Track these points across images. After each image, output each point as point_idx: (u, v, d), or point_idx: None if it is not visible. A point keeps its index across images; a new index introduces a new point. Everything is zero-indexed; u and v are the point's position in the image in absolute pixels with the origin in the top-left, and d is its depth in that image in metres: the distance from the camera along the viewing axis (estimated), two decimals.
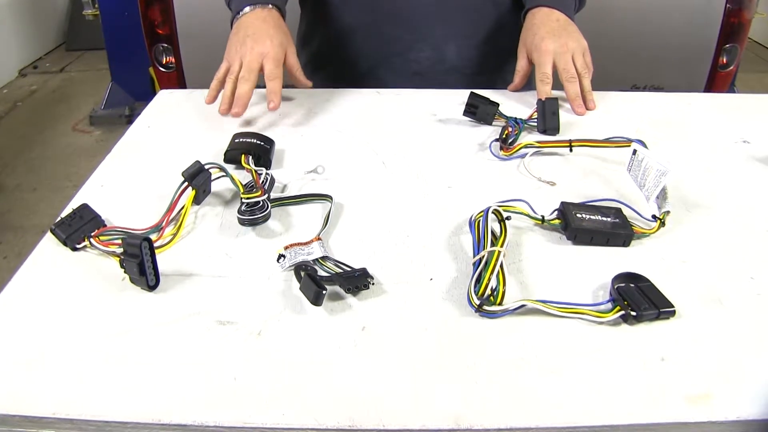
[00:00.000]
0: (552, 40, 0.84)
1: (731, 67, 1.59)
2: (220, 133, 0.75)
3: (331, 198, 0.63)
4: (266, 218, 0.60)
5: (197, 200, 0.63)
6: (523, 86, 0.91)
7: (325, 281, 0.50)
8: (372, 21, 0.92)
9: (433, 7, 0.92)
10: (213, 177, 0.64)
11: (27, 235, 2.22)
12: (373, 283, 0.52)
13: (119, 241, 0.55)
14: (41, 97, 3.43)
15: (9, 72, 3.65)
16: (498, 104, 0.81)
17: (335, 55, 0.99)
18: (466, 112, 0.81)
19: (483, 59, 0.97)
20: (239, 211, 0.60)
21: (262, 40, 0.80)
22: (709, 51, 1.56)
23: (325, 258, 0.54)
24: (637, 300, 0.49)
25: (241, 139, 0.71)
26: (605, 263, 0.55)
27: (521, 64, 0.88)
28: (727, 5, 1.50)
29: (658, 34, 1.53)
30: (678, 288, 0.51)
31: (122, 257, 0.51)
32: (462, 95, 0.82)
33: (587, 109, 0.85)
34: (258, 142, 0.71)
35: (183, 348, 0.46)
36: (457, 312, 0.50)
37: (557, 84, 0.86)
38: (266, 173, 0.65)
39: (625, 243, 0.57)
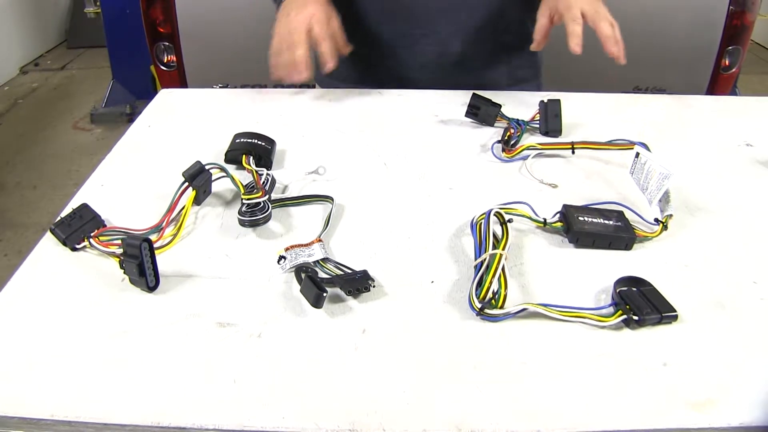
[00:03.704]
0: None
1: (734, 69, 1.59)
2: (221, 133, 0.75)
3: (332, 199, 0.63)
4: (267, 219, 0.60)
5: (197, 201, 0.62)
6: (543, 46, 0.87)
7: (326, 283, 0.50)
8: (379, 15, 0.93)
9: (437, 2, 0.92)
10: (214, 177, 0.64)
11: (27, 233, 2.22)
12: (374, 286, 0.51)
13: (119, 242, 0.55)
14: (42, 94, 3.43)
15: (10, 69, 3.65)
16: (500, 105, 0.80)
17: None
18: (468, 114, 0.81)
19: (489, 54, 0.97)
20: (240, 212, 0.60)
21: (305, 8, 0.83)
22: (712, 53, 1.55)
23: (325, 260, 0.54)
24: (640, 304, 0.48)
25: (242, 139, 0.71)
26: (607, 267, 0.55)
27: (542, 23, 0.84)
28: (730, 7, 1.50)
29: (660, 35, 1.53)
30: (680, 292, 0.51)
31: (122, 258, 0.51)
32: (464, 96, 0.82)
33: (618, 52, 0.81)
34: (259, 142, 0.71)
35: (182, 350, 0.46)
36: (458, 315, 0.49)
37: (562, 86, 0.85)
38: (267, 174, 0.65)
39: (628, 246, 0.57)
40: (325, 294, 0.49)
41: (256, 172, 0.64)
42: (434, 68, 0.97)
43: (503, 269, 0.51)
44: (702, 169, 0.72)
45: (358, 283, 0.51)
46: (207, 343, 0.46)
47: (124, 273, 0.52)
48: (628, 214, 0.60)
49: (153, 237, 0.57)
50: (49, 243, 0.57)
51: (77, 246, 0.56)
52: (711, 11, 1.52)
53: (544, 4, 0.86)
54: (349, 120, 0.83)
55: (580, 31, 0.79)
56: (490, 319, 0.48)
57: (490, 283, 0.49)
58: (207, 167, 0.62)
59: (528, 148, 0.73)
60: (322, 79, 1.06)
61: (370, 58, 0.99)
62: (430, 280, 0.53)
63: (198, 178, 0.61)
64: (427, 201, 0.65)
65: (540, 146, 0.74)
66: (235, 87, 1.22)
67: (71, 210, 0.58)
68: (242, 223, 0.60)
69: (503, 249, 0.53)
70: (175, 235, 0.58)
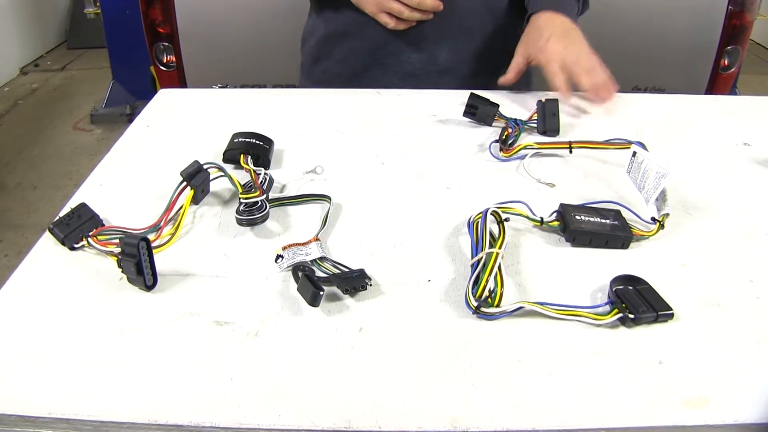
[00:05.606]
0: (557, 41, 0.83)
1: (733, 69, 1.59)
2: (220, 132, 0.75)
3: (330, 198, 0.63)
4: (264, 218, 0.60)
5: (195, 200, 0.63)
6: (516, 85, 0.90)
7: (323, 282, 0.50)
8: (365, 21, 0.93)
9: None
10: (212, 177, 0.64)
11: (27, 234, 2.22)
12: (370, 284, 0.52)
13: (117, 241, 0.55)
14: (42, 95, 3.43)
15: (10, 70, 3.65)
16: (498, 105, 0.80)
17: (331, 52, 1.00)
18: (466, 113, 0.81)
19: (477, 62, 0.97)
20: (237, 211, 0.60)
21: None
22: (711, 53, 1.55)
23: (323, 259, 0.54)
24: (636, 302, 0.49)
25: (240, 139, 0.71)
26: (604, 265, 0.55)
27: (517, 61, 0.88)
28: (729, 7, 1.50)
29: (659, 35, 1.53)
30: (676, 291, 0.51)
31: (120, 257, 0.51)
32: (462, 96, 0.82)
33: (603, 100, 0.83)
34: (257, 141, 0.71)
35: (180, 348, 0.46)
36: (454, 313, 0.49)
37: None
38: (265, 173, 0.65)
39: (624, 245, 0.57)
40: (322, 292, 0.49)
41: (254, 171, 0.65)
42: (420, 76, 0.97)
43: (500, 268, 0.51)
44: (699, 168, 0.72)
45: (355, 282, 0.51)
46: (204, 341, 0.47)
47: (122, 272, 0.52)
48: (625, 213, 0.60)
49: (151, 236, 0.57)
50: (47, 242, 0.57)
51: (75, 245, 0.56)
52: (710, 11, 1.52)
53: (522, 43, 0.88)
54: (348, 120, 0.83)
55: (562, 82, 0.82)
56: (487, 318, 0.49)
57: (487, 281, 0.50)
58: (205, 167, 0.63)
59: (525, 148, 0.73)
60: (306, 87, 1.06)
61: (355, 66, 0.99)
62: (427, 279, 0.53)
63: (196, 177, 0.61)
64: (425, 200, 0.65)
65: (537, 145, 0.74)
66: (235, 87, 1.23)
67: (70, 209, 0.59)
68: (240, 222, 0.60)
69: (500, 248, 0.53)
70: (173, 235, 0.58)
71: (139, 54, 2.06)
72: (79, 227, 0.57)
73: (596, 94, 0.82)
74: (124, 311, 0.50)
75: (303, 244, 0.56)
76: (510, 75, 0.88)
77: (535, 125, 0.80)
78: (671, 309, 0.48)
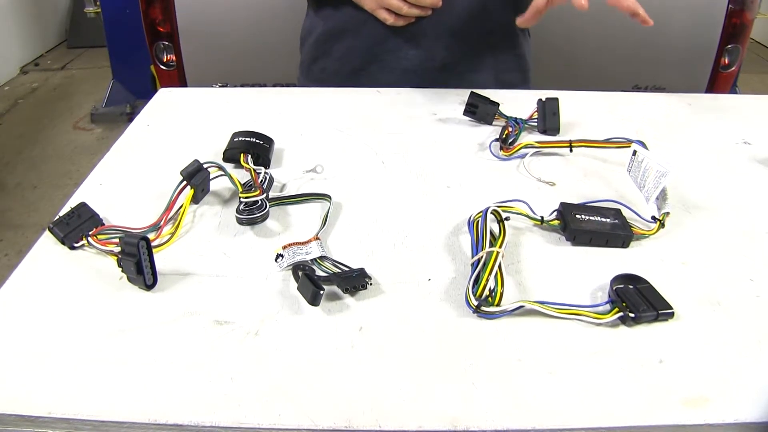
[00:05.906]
0: None
1: (733, 68, 1.59)
2: (220, 131, 0.75)
3: (330, 197, 0.63)
4: (264, 218, 0.60)
5: (196, 199, 0.63)
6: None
7: (323, 281, 0.50)
8: (363, 19, 0.93)
9: None
10: (212, 176, 0.64)
11: (27, 233, 2.22)
12: (371, 284, 0.52)
13: (117, 240, 0.55)
14: (42, 94, 3.43)
15: (10, 69, 3.65)
16: (498, 104, 0.80)
17: (330, 50, 1.00)
18: (466, 112, 0.81)
19: (474, 58, 0.97)
20: (237, 211, 0.60)
21: None
22: (711, 51, 1.55)
23: (323, 258, 0.54)
24: (636, 301, 0.48)
25: (240, 138, 0.71)
26: (604, 264, 0.55)
27: (536, 1, 0.81)
28: (729, 6, 1.50)
29: (659, 34, 1.53)
30: (677, 290, 0.51)
31: (120, 256, 0.51)
32: (462, 95, 0.82)
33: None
34: (257, 141, 0.71)
35: (180, 348, 0.46)
36: (455, 313, 0.49)
37: (561, 86, 0.85)
38: (265, 172, 0.65)
39: (625, 244, 0.57)
40: (322, 292, 0.49)
41: (254, 170, 0.65)
42: (419, 73, 0.97)
43: (500, 267, 0.51)
44: (699, 167, 0.72)
45: (355, 281, 0.51)
46: (204, 341, 0.47)
47: (122, 271, 0.52)
48: (625, 212, 0.60)
49: (151, 235, 0.57)
50: (47, 242, 0.57)
51: (75, 245, 0.56)
52: (710, 9, 1.52)
53: None
54: (348, 119, 0.83)
55: None
56: (487, 317, 0.49)
57: (487, 280, 0.50)
58: (205, 166, 0.63)
59: (526, 147, 0.73)
60: (306, 85, 1.06)
61: (354, 63, 0.99)
62: (427, 278, 0.53)
63: (196, 176, 0.61)
64: (425, 199, 0.65)
65: (538, 144, 0.74)
66: (234, 86, 1.23)
67: (70, 209, 0.59)
68: (240, 222, 0.60)
69: (500, 247, 0.53)
70: (173, 234, 0.58)
71: (139, 53, 2.06)
72: (79, 226, 0.57)
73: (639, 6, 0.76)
74: (124, 311, 0.50)
75: (303, 243, 0.56)
76: (528, 15, 0.82)
77: (536, 124, 0.80)
78: (671, 308, 0.48)
